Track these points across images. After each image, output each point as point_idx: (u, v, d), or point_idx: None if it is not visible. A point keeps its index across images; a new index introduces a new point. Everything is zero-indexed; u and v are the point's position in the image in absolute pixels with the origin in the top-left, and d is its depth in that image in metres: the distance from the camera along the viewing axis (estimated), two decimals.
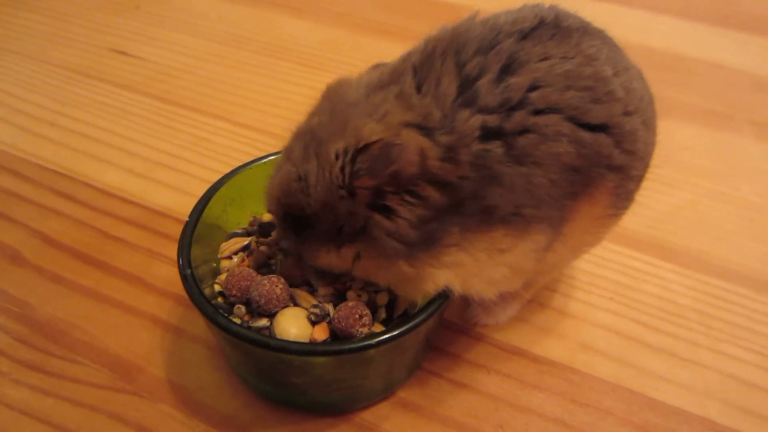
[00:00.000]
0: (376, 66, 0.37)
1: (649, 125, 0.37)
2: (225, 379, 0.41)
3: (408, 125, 0.31)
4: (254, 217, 0.45)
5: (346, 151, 0.31)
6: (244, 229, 0.45)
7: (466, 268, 0.34)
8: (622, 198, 0.37)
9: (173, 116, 0.67)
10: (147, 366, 0.41)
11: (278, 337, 0.36)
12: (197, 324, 0.44)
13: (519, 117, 0.31)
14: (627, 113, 0.34)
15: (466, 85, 0.32)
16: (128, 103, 0.69)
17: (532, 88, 0.31)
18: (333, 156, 0.32)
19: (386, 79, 0.34)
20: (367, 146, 0.31)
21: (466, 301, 0.45)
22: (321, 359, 0.34)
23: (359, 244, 0.34)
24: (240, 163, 0.45)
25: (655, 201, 0.57)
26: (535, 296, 0.47)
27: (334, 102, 0.35)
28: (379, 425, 0.38)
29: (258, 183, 0.45)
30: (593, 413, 0.40)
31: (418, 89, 0.32)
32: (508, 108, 0.31)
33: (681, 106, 0.72)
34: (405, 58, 0.34)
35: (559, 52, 0.33)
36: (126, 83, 0.72)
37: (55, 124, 0.65)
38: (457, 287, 0.34)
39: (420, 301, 0.38)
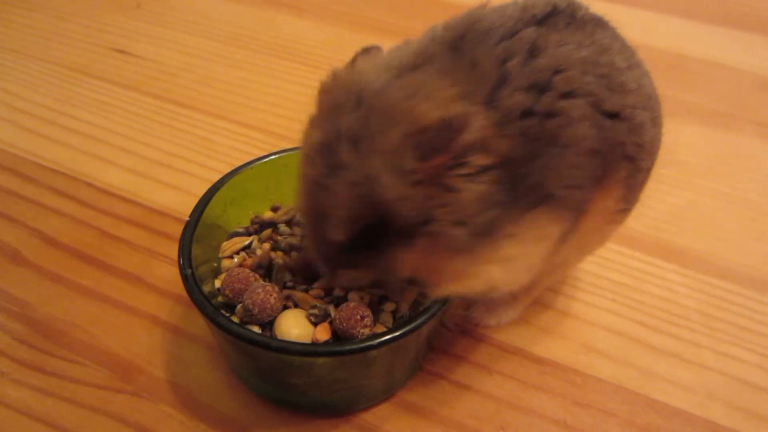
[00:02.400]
0: (367, 49, 0.36)
1: (656, 123, 0.38)
2: (225, 380, 0.40)
3: (458, 99, 0.31)
4: (255, 216, 0.45)
5: (405, 136, 0.30)
6: (245, 228, 0.44)
7: (520, 260, 0.34)
8: (632, 190, 0.37)
9: (174, 115, 0.67)
10: (147, 366, 0.41)
11: (279, 338, 0.35)
12: (197, 324, 0.44)
13: (548, 100, 0.32)
14: (637, 107, 0.35)
15: (502, 66, 0.32)
16: (129, 102, 0.69)
17: (557, 71, 0.32)
18: (395, 144, 0.30)
19: (415, 61, 0.33)
20: (426, 126, 0.30)
21: (467, 302, 0.45)
22: (322, 360, 0.34)
23: (425, 238, 0.32)
24: (241, 163, 0.45)
25: (657, 201, 0.57)
26: (538, 297, 0.46)
27: (353, 94, 0.32)
28: (380, 426, 0.38)
29: (259, 182, 0.45)
30: (595, 415, 0.40)
31: (455, 69, 0.32)
32: (538, 90, 0.32)
33: (684, 105, 0.72)
34: (426, 41, 0.34)
35: (575, 39, 0.33)
36: (127, 82, 0.72)
37: (55, 123, 0.65)
38: (508, 283, 0.35)
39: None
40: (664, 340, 0.45)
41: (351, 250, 0.33)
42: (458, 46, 0.33)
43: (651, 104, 0.37)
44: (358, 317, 0.35)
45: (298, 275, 0.40)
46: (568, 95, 0.32)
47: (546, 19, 0.34)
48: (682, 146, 0.65)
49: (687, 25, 0.93)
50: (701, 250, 0.52)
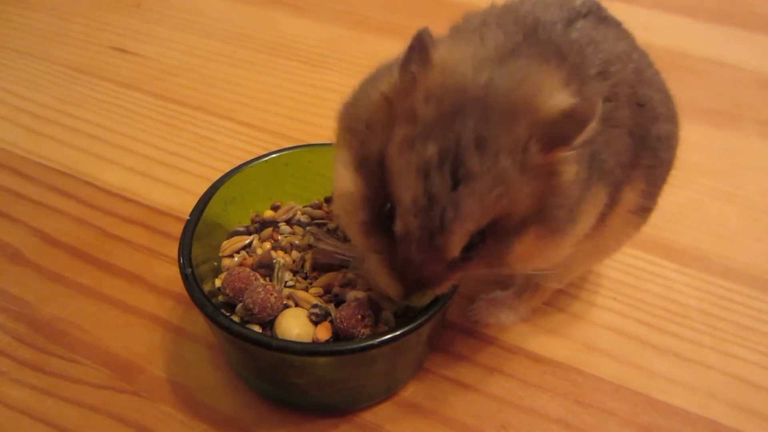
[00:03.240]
0: (423, 37, 0.31)
1: (672, 119, 0.39)
2: (226, 379, 0.40)
3: (566, 86, 0.31)
4: (256, 215, 0.45)
5: (531, 128, 0.29)
6: (246, 227, 0.44)
7: (583, 231, 0.35)
8: (652, 184, 0.39)
9: (174, 114, 0.66)
10: (147, 366, 0.41)
11: (280, 337, 0.35)
12: (198, 323, 0.44)
13: (608, 87, 0.34)
14: (657, 100, 0.37)
15: (582, 55, 0.34)
16: (129, 101, 0.68)
17: (611, 62, 0.34)
18: (519, 141, 0.29)
19: (503, 52, 0.32)
20: (547, 115, 0.29)
21: (469, 300, 0.45)
22: (322, 359, 0.34)
23: (535, 226, 0.32)
24: (241, 161, 0.45)
25: (659, 200, 0.57)
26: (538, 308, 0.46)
27: (459, 95, 0.29)
28: (381, 426, 0.38)
29: (259, 181, 0.45)
30: (597, 414, 0.40)
31: (549, 58, 0.32)
32: (603, 78, 0.34)
33: (685, 104, 0.71)
34: (496, 34, 0.33)
35: (611, 34, 0.36)
36: (127, 81, 0.72)
37: (55, 122, 0.65)
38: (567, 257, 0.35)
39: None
40: (665, 339, 0.45)
41: (461, 260, 0.32)
42: (535, 36, 0.33)
43: (666, 100, 0.39)
44: (359, 317, 0.35)
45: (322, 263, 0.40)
46: (618, 84, 0.34)
47: (587, 15, 0.36)
48: (684, 145, 0.64)
49: (689, 24, 0.93)
50: (702, 249, 0.52)
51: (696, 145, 0.66)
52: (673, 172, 0.60)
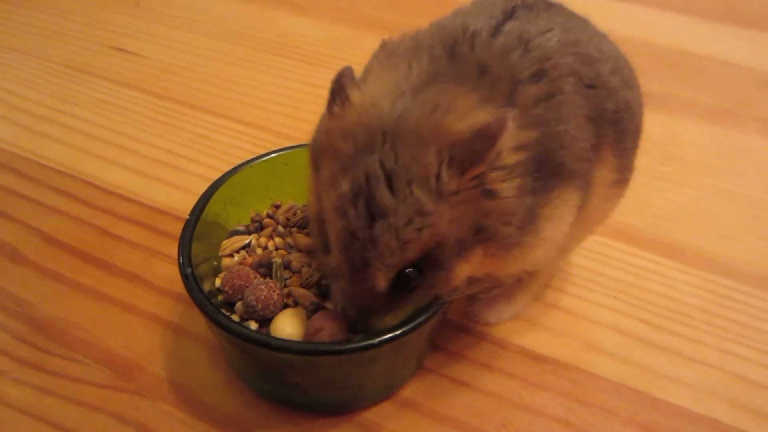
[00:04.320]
0: (343, 76, 0.33)
1: (629, 84, 0.39)
2: (226, 378, 0.40)
3: (478, 106, 0.31)
4: (255, 214, 0.45)
5: (440, 154, 0.29)
6: (245, 226, 0.44)
7: (555, 239, 0.35)
8: (623, 156, 0.38)
9: (173, 113, 0.66)
10: (147, 365, 0.41)
11: (274, 335, 0.35)
12: (198, 323, 0.44)
13: (547, 83, 0.33)
14: (607, 73, 0.37)
15: (507, 63, 0.33)
16: (128, 100, 0.68)
17: (547, 58, 0.34)
18: (430, 169, 0.29)
19: (422, 81, 0.32)
20: (458, 138, 0.29)
21: (468, 299, 0.45)
22: (322, 359, 0.34)
23: (479, 245, 0.32)
24: (240, 161, 0.45)
25: (659, 199, 0.57)
26: (540, 295, 0.46)
27: (373, 129, 0.30)
28: (382, 425, 0.38)
29: (258, 180, 0.45)
30: (597, 413, 0.40)
31: (465, 79, 0.32)
32: (538, 77, 0.33)
33: (685, 102, 0.72)
34: (418, 62, 0.33)
35: (544, 26, 0.36)
36: (126, 80, 0.72)
37: (54, 122, 0.65)
38: (543, 263, 0.36)
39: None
40: (666, 337, 0.45)
41: (393, 292, 0.32)
42: (455, 53, 0.33)
43: (619, 67, 0.38)
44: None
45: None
46: (559, 77, 0.34)
47: (513, 13, 0.36)
48: (684, 143, 0.65)
49: (688, 22, 0.93)
50: (703, 248, 0.52)
51: (696, 143, 0.66)
52: (673, 171, 0.61)
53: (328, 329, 0.35)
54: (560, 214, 0.34)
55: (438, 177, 0.29)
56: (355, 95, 0.32)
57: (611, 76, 0.37)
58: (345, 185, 0.30)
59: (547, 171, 0.32)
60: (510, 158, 0.31)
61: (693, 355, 0.43)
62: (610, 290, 0.48)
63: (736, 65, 0.82)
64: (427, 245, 0.30)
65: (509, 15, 0.36)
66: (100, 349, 0.42)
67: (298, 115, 0.67)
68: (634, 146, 0.40)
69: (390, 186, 0.29)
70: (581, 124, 0.34)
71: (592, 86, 0.35)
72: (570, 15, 0.39)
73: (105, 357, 0.41)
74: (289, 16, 0.89)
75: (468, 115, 0.30)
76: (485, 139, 0.29)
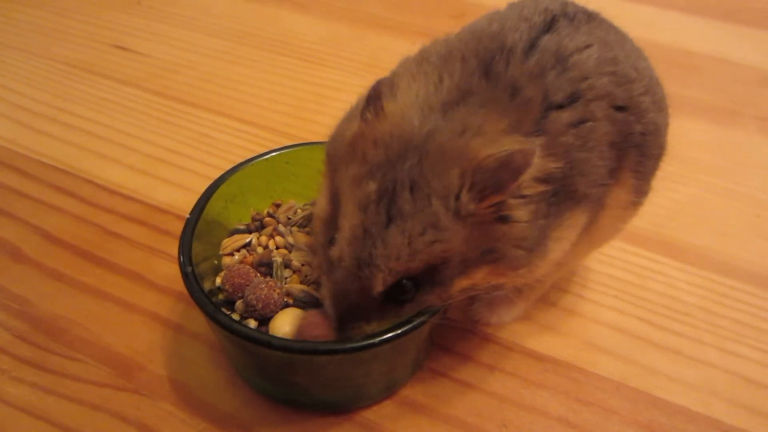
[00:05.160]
0: (381, 86, 0.33)
1: (659, 106, 0.38)
2: (226, 377, 0.40)
3: (506, 132, 0.31)
4: (256, 213, 0.45)
5: (462, 177, 0.30)
6: (246, 225, 0.44)
7: (557, 256, 0.35)
8: (642, 179, 0.38)
9: (174, 112, 0.66)
10: (148, 364, 0.41)
11: (272, 334, 0.35)
12: (198, 321, 0.44)
13: (581, 108, 0.33)
14: (640, 93, 0.36)
15: (539, 84, 0.32)
16: (129, 99, 0.68)
17: (584, 78, 0.33)
18: (451, 189, 0.30)
19: (452, 98, 0.32)
20: (481, 163, 0.29)
21: (469, 300, 0.45)
22: (322, 358, 0.34)
23: (486, 265, 0.32)
24: (241, 160, 0.45)
25: (660, 198, 0.56)
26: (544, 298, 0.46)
27: (403, 141, 0.31)
28: (382, 424, 0.38)
29: (259, 179, 0.45)
30: (598, 412, 0.39)
31: (496, 99, 0.32)
32: (573, 100, 0.33)
33: (687, 101, 0.72)
34: (450, 76, 0.33)
35: (582, 41, 0.35)
36: (127, 79, 0.72)
37: (55, 120, 0.65)
38: (541, 276, 0.36)
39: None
40: (666, 336, 0.44)
41: (384, 301, 0.32)
42: (490, 71, 0.33)
43: (651, 87, 0.37)
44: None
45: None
46: (593, 100, 0.33)
47: (552, 25, 0.35)
48: (685, 142, 0.65)
49: (690, 21, 0.93)
50: (704, 247, 0.52)
51: (697, 142, 0.66)
52: (674, 170, 0.60)
53: (321, 326, 0.35)
54: (567, 235, 0.35)
55: (458, 197, 0.30)
56: (389, 106, 0.33)
57: (643, 96, 0.36)
58: (372, 186, 0.31)
59: (563, 195, 0.33)
60: (531, 188, 0.31)
61: (693, 355, 0.43)
62: (611, 289, 0.48)
63: (737, 64, 0.82)
64: (433, 260, 0.31)
65: (548, 26, 0.35)
66: (100, 347, 0.42)
67: (298, 113, 0.67)
68: (655, 168, 0.39)
69: (412, 194, 0.30)
70: (604, 152, 0.34)
71: (622, 108, 0.35)
72: (609, 28, 0.38)
73: (105, 356, 0.41)
74: (290, 14, 0.89)
75: (496, 142, 0.30)
76: (510, 170, 0.29)
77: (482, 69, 0.33)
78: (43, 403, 0.39)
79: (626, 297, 0.47)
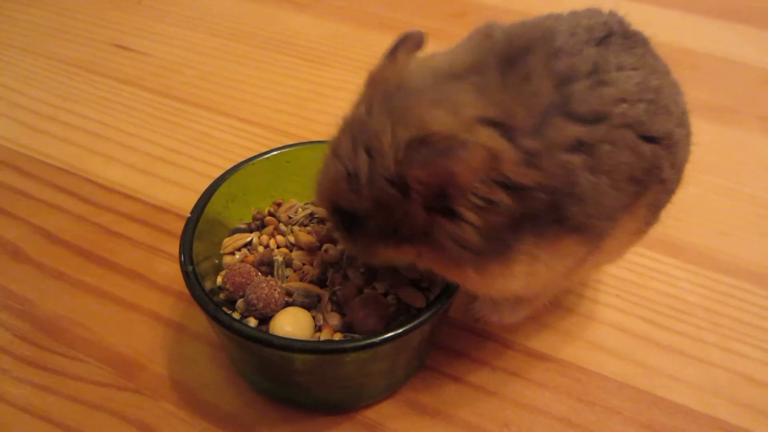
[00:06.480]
0: (406, 39, 0.34)
1: (689, 140, 0.36)
2: (227, 377, 0.40)
3: (485, 121, 0.28)
4: (257, 212, 0.45)
5: (399, 140, 0.29)
6: (247, 224, 0.44)
7: (537, 276, 0.32)
8: (654, 212, 0.36)
9: (175, 111, 0.66)
10: (149, 363, 0.41)
11: (272, 333, 0.35)
12: (199, 321, 0.43)
13: (604, 130, 0.30)
14: (678, 126, 0.34)
15: (561, 87, 0.30)
16: (129, 98, 0.68)
17: (620, 100, 0.30)
18: (386, 147, 0.29)
19: (462, 69, 0.30)
20: (427, 137, 0.28)
21: (471, 298, 0.45)
22: (323, 357, 0.34)
23: (420, 245, 0.32)
24: (242, 159, 0.44)
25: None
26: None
27: (389, 89, 0.31)
28: (384, 424, 0.38)
29: (260, 178, 0.45)
30: (600, 412, 0.39)
31: (503, 84, 0.29)
32: (596, 120, 0.30)
33: (688, 100, 0.71)
34: (483, 47, 0.31)
35: (630, 62, 0.32)
36: (127, 78, 0.72)
37: (55, 120, 0.64)
38: (522, 291, 0.34)
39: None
40: (668, 336, 0.44)
41: (335, 224, 0.35)
42: (513, 57, 0.30)
43: (684, 120, 0.35)
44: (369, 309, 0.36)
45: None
46: (622, 126, 0.30)
47: (604, 40, 0.32)
48: None
49: (690, 20, 0.93)
50: (706, 246, 0.52)
51: (698, 141, 0.64)
52: None
53: (372, 316, 0.36)
54: (550, 259, 0.32)
55: (384, 159, 0.29)
56: (401, 57, 0.33)
57: (678, 129, 0.33)
58: (351, 115, 0.33)
59: (551, 219, 0.30)
60: (492, 193, 0.28)
61: (696, 354, 0.43)
62: (613, 289, 0.48)
63: (738, 63, 0.81)
64: (346, 205, 0.32)
65: (598, 41, 0.32)
66: (101, 347, 0.42)
67: (300, 113, 0.66)
68: (668, 201, 0.38)
69: (363, 136, 0.31)
70: (619, 183, 0.30)
71: (655, 139, 0.32)
72: (658, 57, 0.35)
73: (106, 355, 0.41)
74: (291, 13, 0.89)
75: (463, 124, 0.28)
76: (444, 156, 0.27)
77: (506, 53, 0.31)
78: (43, 403, 0.39)
79: (628, 296, 0.47)
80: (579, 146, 0.29)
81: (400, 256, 0.33)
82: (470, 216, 0.29)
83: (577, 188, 0.29)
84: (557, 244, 0.31)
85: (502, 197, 0.29)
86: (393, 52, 0.33)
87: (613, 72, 0.31)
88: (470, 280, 0.32)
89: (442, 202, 0.29)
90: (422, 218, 0.30)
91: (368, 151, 0.30)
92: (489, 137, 0.28)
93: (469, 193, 0.28)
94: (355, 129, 0.31)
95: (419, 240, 0.31)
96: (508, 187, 0.28)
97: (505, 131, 0.28)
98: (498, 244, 0.30)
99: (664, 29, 0.88)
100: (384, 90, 0.31)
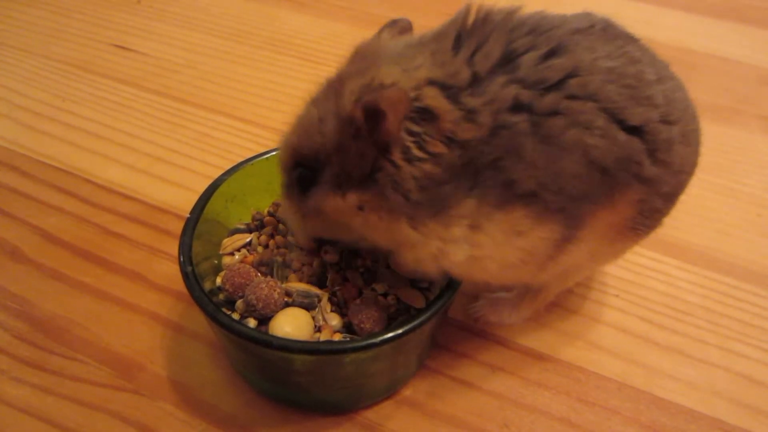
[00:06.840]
0: (394, 22, 0.39)
1: (690, 140, 0.35)
2: (227, 377, 0.40)
3: (432, 82, 0.31)
4: (256, 212, 0.45)
5: (356, 87, 0.32)
6: (246, 225, 0.44)
7: (482, 248, 0.33)
8: (647, 215, 0.35)
9: (174, 111, 0.66)
10: (148, 364, 0.41)
11: (271, 334, 0.35)
12: (198, 321, 0.43)
13: (551, 98, 0.31)
14: (665, 122, 0.33)
15: (511, 55, 0.31)
16: (129, 98, 0.68)
17: (573, 74, 0.31)
18: (347, 92, 0.32)
19: (427, 39, 0.34)
20: (371, 84, 0.32)
21: (471, 298, 0.45)
22: (323, 358, 0.34)
23: (364, 192, 0.33)
24: (241, 159, 0.44)
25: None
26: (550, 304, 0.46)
27: (367, 53, 0.35)
28: (383, 424, 0.38)
29: (260, 178, 0.45)
30: (599, 412, 0.39)
31: (456, 49, 0.32)
32: (544, 87, 0.31)
33: None
34: (451, 23, 0.33)
35: (605, 50, 0.32)
36: (126, 78, 0.72)
37: (55, 120, 0.64)
38: (470, 268, 0.34)
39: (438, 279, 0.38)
40: (668, 336, 0.44)
41: (288, 187, 0.36)
42: (475, 29, 0.32)
43: (684, 118, 0.34)
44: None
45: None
46: (577, 98, 0.31)
47: (581, 30, 0.33)
48: None
49: (690, 19, 0.93)
50: (705, 246, 0.52)
51: None
52: None
53: (371, 318, 0.36)
54: (498, 233, 0.32)
55: (344, 104, 0.32)
56: (385, 34, 0.37)
57: (669, 126, 0.33)
58: (330, 76, 0.36)
59: (497, 182, 0.31)
60: (435, 147, 0.31)
61: (695, 354, 0.43)
62: (612, 289, 0.48)
63: (738, 62, 0.81)
64: (320, 151, 0.33)
65: (575, 30, 0.33)
66: (100, 347, 0.42)
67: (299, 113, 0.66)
68: (667, 208, 0.37)
69: (328, 89, 0.35)
70: (581, 165, 0.31)
71: (634, 129, 0.31)
72: (647, 52, 0.35)
73: (105, 356, 0.41)
74: (290, 13, 0.89)
75: (411, 81, 0.31)
76: (386, 103, 0.30)
77: (468, 23, 0.33)
78: (42, 404, 0.38)
79: (627, 296, 0.47)
80: (521, 108, 0.30)
81: (345, 206, 0.34)
82: (407, 166, 0.31)
83: (522, 151, 0.30)
84: (505, 213, 0.31)
85: (440, 149, 0.31)
86: (379, 32, 0.37)
87: (579, 51, 0.31)
88: (407, 237, 0.33)
89: (388, 149, 0.31)
90: (372, 156, 0.32)
91: (336, 98, 0.33)
92: (433, 97, 0.31)
93: (408, 141, 0.31)
94: (331, 83, 0.35)
95: (366, 186, 0.32)
96: (449, 140, 0.31)
97: (448, 90, 0.31)
98: (436, 198, 0.31)
99: (664, 29, 0.89)
100: (362, 54, 0.35)
